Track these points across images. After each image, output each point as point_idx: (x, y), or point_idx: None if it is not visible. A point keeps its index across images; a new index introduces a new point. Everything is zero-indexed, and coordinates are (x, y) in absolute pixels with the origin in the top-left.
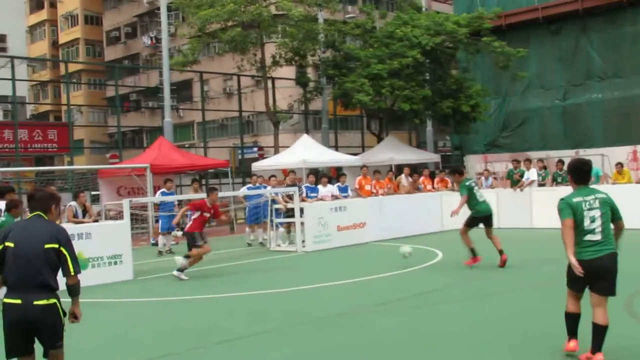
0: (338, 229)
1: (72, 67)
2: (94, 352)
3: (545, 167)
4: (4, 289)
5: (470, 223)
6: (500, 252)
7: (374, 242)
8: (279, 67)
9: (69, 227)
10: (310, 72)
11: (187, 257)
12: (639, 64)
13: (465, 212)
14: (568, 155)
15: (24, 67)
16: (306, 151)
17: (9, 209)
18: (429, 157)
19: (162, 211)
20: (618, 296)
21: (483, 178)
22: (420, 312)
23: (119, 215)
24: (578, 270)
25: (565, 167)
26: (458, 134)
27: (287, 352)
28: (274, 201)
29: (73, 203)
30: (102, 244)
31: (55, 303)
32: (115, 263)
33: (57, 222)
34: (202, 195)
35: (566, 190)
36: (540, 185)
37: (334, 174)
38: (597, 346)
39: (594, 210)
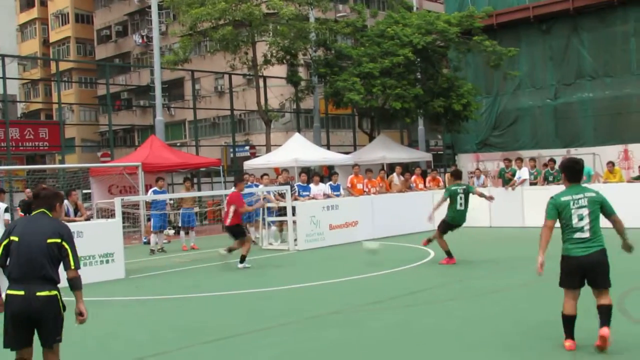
0: (330, 227)
1: (63, 66)
2: (86, 350)
3: (535, 166)
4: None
5: (444, 228)
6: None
7: (366, 241)
8: (271, 66)
9: None
10: (302, 71)
11: (230, 250)
12: (630, 63)
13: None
14: (559, 154)
15: (14, 66)
16: (298, 150)
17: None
18: (420, 155)
19: (153, 210)
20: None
21: (475, 178)
22: (414, 310)
23: (110, 214)
24: (538, 271)
25: (556, 166)
26: (450, 132)
27: (279, 351)
28: (266, 199)
29: (65, 201)
30: (94, 242)
31: (56, 295)
32: (107, 262)
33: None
34: (194, 193)
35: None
36: (532, 184)
37: (326, 173)
38: (604, 322)
39: (582, 209)
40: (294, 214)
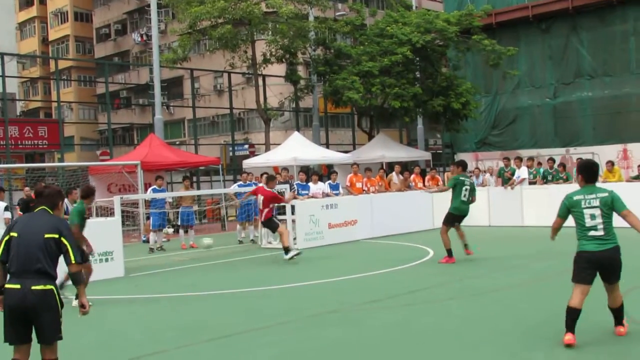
0: (329, 226)
1: (62, 64)
2: (85, 348)
3: (540, 163)
4: None
5: (449, 220)
6: (466, 246)
7: (365, 240)
8: (270, 65)
9: None
10: (301, 70)
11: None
12: (629, 62)
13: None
14: (558, 153)
15: (13, 64)
16: (297, 149)
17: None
18: (419, 154)
19: (153, 208)
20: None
21: (474, 176)
22: (413, 309)
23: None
24: (551, 237)
25: (555, 165)
26: (449, 131)
27: (278, 350)
28: None
29: (64, 200)
30: (93, 240)
31: (52, 289)
32: (107, 260)
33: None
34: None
35: (557, 188)
36: (531, 183)
37: (325, 172)
38: (618, 321)
39: (594, 209)
40: (293, 213)
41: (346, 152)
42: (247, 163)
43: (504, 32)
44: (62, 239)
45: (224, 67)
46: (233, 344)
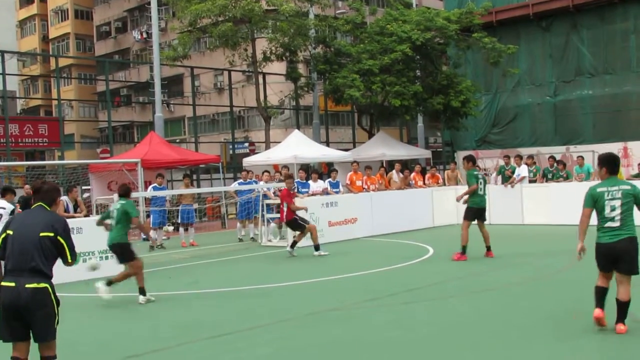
0: (329, 224)
1: (63, 62)
2: (84, 346)
3: (535, 163)
4: None
5: (470, 215)
6: (488, 248)
7: (365, 238)
8: (270, 63)
9: None
10: (301, 68)
11: (293, 244)
12: (630, 60)
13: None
14: (559, 151)
15: (14, 62)
16: (297, 147)
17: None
18: (420, 153)
19: (153, 206)
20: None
21: None
22: (413, 307)
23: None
24: (578, 256)
25: (555, 164)
26: (449, 129)
27: (278, 347)
28: (265, 196)
29: (64, 197)
30: (93, 238)
31: (46, 287)
32: (107, 258)
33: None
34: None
35: (557, 186)
36: (531, 181)
37: (325, 170)
38: (619, 318)
39: (616, 200)
40: None
41: (346, 150)
42: (247, 161)
43: (504, 30)
44: (59, 238)
45: (224, 65)
46: (233, 342)
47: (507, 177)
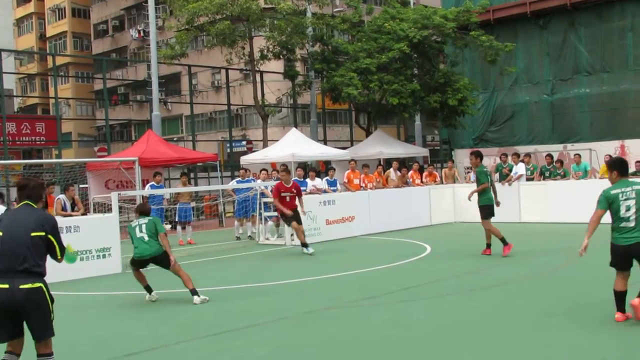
0: (327, 222)
1: (60, 60)
2: (83, 345)
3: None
4: None
5: (488, 213)
6: (489, 245)
7: (362, 236)
8: (267, 61)
9: (59, 220)
10: (299, 66)
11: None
12: (627, 58)
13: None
14: (556, 149)
15: (11, 60)
16: (295, 145)
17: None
18: (417, 151)
19: (150, 204)
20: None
21: (472, 172)
22: (410, 305)
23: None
24: (581, 251)
25: (553, 162)
26: (446, 127)
27: (275, 346)
28: (262, 194)
29: (62, 196)
30: (91, 237)
31: (40, 287)
32: (104, 256)
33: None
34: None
35: (554, 184)
36: (529, 179)
37: (323, 168)
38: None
39: (630, 200)
40: None
41: (344, 148)
42: (244, 159)
43: (501, 29)
44: (50, 236)
45: (222, 64)
46: (231, 340)
47: (504, 175)
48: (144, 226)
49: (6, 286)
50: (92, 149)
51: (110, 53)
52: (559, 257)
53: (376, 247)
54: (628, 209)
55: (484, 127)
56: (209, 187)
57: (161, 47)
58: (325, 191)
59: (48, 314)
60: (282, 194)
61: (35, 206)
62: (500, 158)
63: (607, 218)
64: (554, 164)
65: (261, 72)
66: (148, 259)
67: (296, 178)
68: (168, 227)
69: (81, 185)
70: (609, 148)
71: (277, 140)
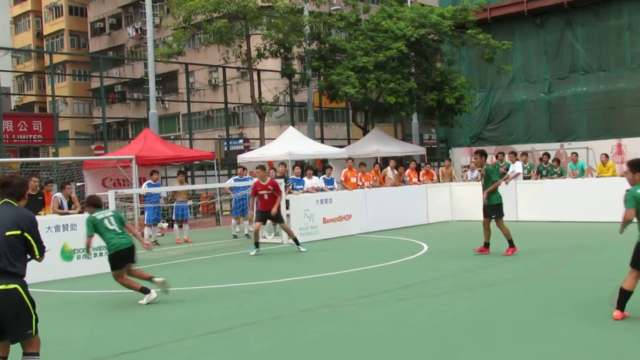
0: (324, 221)
1: (57, 58)
2: (79, 343)
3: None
4: None
5: (502, 211)
6: (487, 245)
7: (359, 235)
8: (265, 59)
9: (55, 219)
10: (296, 64)
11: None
12: (624, 57)
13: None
14: (553, 148)
15: (8, 58)
16: (292, 143)
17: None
18: (414, 149)
19: (147, 203)
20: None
21: (469, 171)
22: (407, 304)
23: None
24: (621, 228)
25: (550, 161)
26: (443, 126)
27: (271, 344)
28: None
29: (59, 194)
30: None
31: (15, 288)
32: (101, 254)
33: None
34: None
35: (551, 183)
36: (525, 178)
37: (320, 166)
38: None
39: None
40: (287, 208)
41: (341, 147)
42: (241, 158)
43: (498, 27)
44: (26, 235)
45: (219, 62)
46: (227, 338)
47: (501, 174)
48: (112, 218)
49: None
50: (89, 147)
51: (107, 51)
52: (557, 256)
53: (373, 246)
54: None
55: (481, 126)
56: (206, 186)
57: (158, 46)
58: (322, 189)
59: (26, 315)
60: (260, 192)
61: (17, 204)
62: (497, 157)
63: (606, 218)
64: (551, 162)
65: (258, 71)
66: (127, 251)
67: (293, 177)
68: (165, 225)
69: (78, 183)
70: (606, 147)
71: (274, 139)
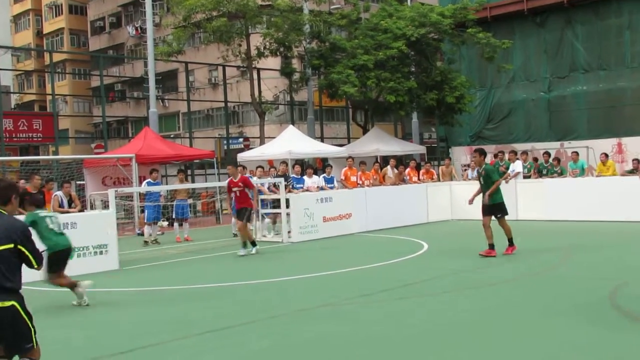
0: (324, 219)
1: (57, 57)
2: (78, 342)
3: (536, 159)
4: None
5: (505, 209)
6: (492, 246)
7: (359, 233)
8: (264, 58)
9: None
10: (296, 63)
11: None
12: (624, 56)
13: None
14: (553, 147)
15: (8, 57)
16: (292, 142)
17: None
18: (414, 148)
19: (147, 201)
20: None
21: (469, 170)
22: (407, 303)
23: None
24: None
25: (551, 160)
26: (443, 125)
27: (270, 343)
28: (259, 192)
29: (59, 193)
30: (88, 233)
31: (12, 305)
32: (101, 253)
33: (17, 213)
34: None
35: (552, 182)
36: (525, 177)
37: (320, 165)
38: None
39: None
40: (287, 206)
41: (341, 145)
42: (241, 156)
43: (498, 26)
44: (20, 247)
45: (218, 60)
46: (226, 337)
47: (501, 173)
48: (53, 218)
49: None
50: (89, 146)
51: (107, 50)
52: (557, 255)
53: (373, 245)
54: None
55: (481, 125)
56: (206, 184)
57: (158, 44)
58: (322, 188)
59: (24, 330)
60: (233, 190)
61: (5, 210)
62: (497, 156)
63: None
64: (552, 161)
65: (258, 69)
66: (66, 251)
67: (293, 175)
68: (165, 224)
69: (78, 182)
70: (606, 146)
71: (274, 138)
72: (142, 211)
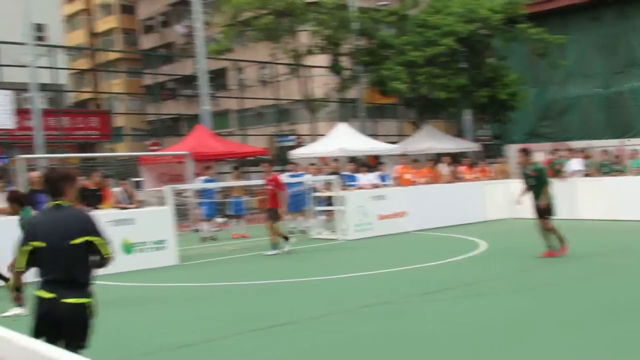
0: (379, 217)
1: (110, 56)
2: (134, 336)
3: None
4: None
5: (553, 211)
6: (562, 240)
7: (415, 232)
8: (314, 56)
9: (115, 213)
10: (345, 60)
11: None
12: None
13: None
14: (611, 144)
15: (63, 56)
16: (344, 139)
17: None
18: (468, 146)
19: (203, 198)
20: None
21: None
22: (464, 302)
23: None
24: None
25: (607, 156)
26: (495, 123)
27: (327, 340)
28: (314, 189)
29: (118, 189)
30: (146, 229)
31: (84, 303)
32: (159, 248)
33: (78, 205)
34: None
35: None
36: (586, 175)
37: (373, 163)
38: None
39: None
40: (342, 204)
41: (392, 143)
42: (293, 154)
43: (551, 20)
44: (91, 238)
45: (268, 58)
46: (280, 334)
47: (558, 171)
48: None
49: (50, 296)
50: (144, 143)
51: (157, 48)
52: (625, 256)
53: (429, 243)
54: None
55: (536, 122)
56: (261, 181)
57: (208, 42)
58: (376, 186)
59: (86, 330)
60: (266, 187)
61: (66, 205)
62: (553, 154)
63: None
64: (612, 159)
65: (308, 67)
66: None
67: (346, 173)
68: (222, 220)
69: (133, 179)
70: None
71: (324, 135)
72: (199, 208)
